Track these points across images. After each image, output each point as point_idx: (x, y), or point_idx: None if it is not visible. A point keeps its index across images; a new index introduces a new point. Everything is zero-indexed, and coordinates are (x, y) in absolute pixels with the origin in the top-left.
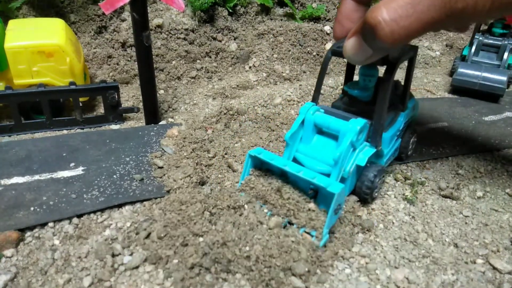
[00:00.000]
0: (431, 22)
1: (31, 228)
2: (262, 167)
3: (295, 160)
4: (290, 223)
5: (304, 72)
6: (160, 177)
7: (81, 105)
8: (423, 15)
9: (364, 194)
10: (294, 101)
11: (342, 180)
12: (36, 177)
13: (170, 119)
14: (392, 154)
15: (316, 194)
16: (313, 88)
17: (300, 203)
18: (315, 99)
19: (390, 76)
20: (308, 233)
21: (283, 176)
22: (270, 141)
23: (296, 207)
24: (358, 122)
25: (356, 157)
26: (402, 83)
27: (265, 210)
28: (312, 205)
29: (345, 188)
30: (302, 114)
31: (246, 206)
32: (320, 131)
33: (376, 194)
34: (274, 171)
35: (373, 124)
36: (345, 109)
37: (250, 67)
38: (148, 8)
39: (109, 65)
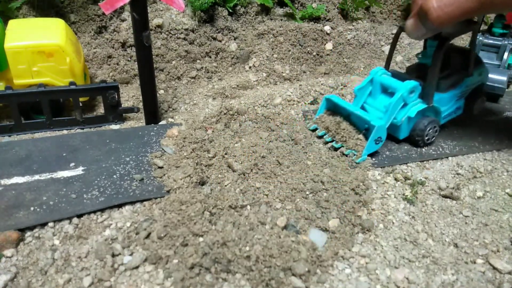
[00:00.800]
0: (468, 10)
1: (31, 228)
2: (335, 110)
3: (363, 108)
4: (336, 149)
5: (304, 72)
6: (160, 177)
7: (81, 105)
8: (462, 5)
9: (417, 137)
10: (294, 101)
11: (395, 126)
12: (36, 177)
13: (170, 119)
14: (454, 111)
15: (367, 131)
16: (313, 88)
17: (351, 133)
18: (386, 67)
19: (439, 49)
20: (353, 154)
21: (348, 118)
22: (270, 141)
23: (348, 135)
24: (411, 83)
25: (408, 110)
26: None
27: (326, 137)
28: (360, 136)
29: (385, 126)
30: (371, 75)
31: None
32: (385, 90)
33: (428, 140)
34: (342, 113)
35: (426, 85)
36: (415, 73)
37: (250, 67)
38: (148, 8)
39: (109, 65)
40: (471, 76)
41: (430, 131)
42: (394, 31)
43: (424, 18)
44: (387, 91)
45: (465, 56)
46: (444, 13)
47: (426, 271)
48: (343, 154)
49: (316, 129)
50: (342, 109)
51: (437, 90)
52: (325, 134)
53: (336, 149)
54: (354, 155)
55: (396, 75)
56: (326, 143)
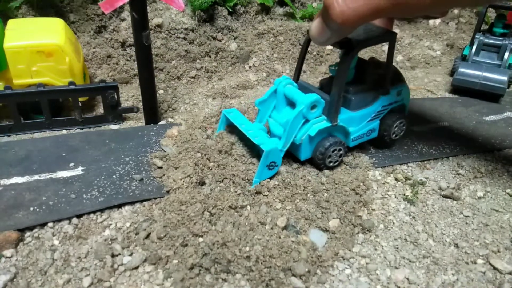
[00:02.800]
0: (377, 9)
1: (31, 228)
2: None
3: (267, 124)
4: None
5: (304, 72)
6: (160, 177)
7: (80, 105)
8: (371, 1)
9: (318, 160)
10: None
11: (295, 146)
12: (36, 177)
13: (170, 119)
14: (366, 133)
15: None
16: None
17: (245, 157)
18: (294, 77)
19: (345, 59)
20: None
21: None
22: None
23: (241, 159)
24: (311, 97)
25: (309, 128)
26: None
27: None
28: (254, 160)
29: (279, 146)
30: (275, 85)
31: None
32: (291, 102)
33: (330, 163)
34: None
35: (329, 101)
36: (326, 87)
37: (250, 67)
38: (148, 7)
39: (108, 64)
40: (387, 94)
41: (334, 153)
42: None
43: (326, 16)
44: (293, 104)
45: (384, 72)
46: (349, 8)
47: (427, 272)
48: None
49: None
50: (237, 128)
51: (347, 108)
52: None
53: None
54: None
55: (303, 87)
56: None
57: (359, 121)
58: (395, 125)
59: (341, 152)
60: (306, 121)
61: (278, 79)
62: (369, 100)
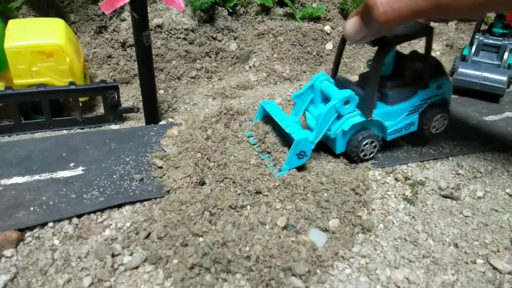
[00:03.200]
0: (418, 10)
1: (31, 228)
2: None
3: (304, 117)
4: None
5: (304, 72)
6: (160, 177)
7: (81, 105)
8: (412, 3)
9: (351, 153)
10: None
11: (331, 139)
12: (36, 177)
13: (170, 119)
14: (404, 127)
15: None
16: None
17: (277, 146)
18: (332, 74)
19: (378, 56)
20: (275, 167)
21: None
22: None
23: (273, 147)
24: (345, 92)
25: (344, 123)
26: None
27: (255, 147)
28: (285, 149)
29: (310, 138)
30: (312, 81)
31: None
32: (327, 98)
33: (365, 156)
34: (274, 123)
35: (363, 97)
36: (364, 81)
37: (250, 67)
38: (148, 8)
39: (109, 65)
40: (427, 88)
41: (367, 146)
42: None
43: (367, 16)
44: (329, 100)
45: (423, 65)
46: (392, 9)
47: (426, 271)
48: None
49: (252, 136)
50: (273, 119)
51: (384, 102)
52: (255, 144)
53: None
54: (276, 168)
55: (340, 82)
56: (258, 152)
57: (396, 116)
58: (435, 119)
59: (374, 144)
60: (340, 116)
61: (316, 74)
62: (407, 94)
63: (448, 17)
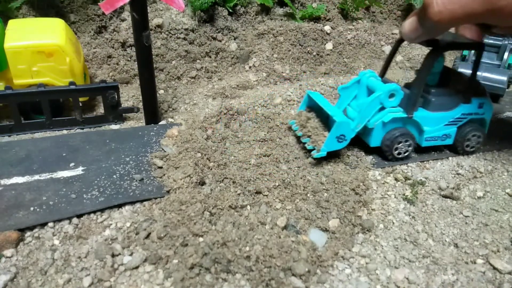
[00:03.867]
0: (472, 12)
1: (31, 228)
2: (314, 107)
3: (345, 111)
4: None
5: (304, 72)
6: (160, 177)
7: (81, 105)
8: (467, 5)
9: (385, 148)
10: (294, 101)
11: (367, 131)
12: (36, 177)
13: (170, 119)
14: (440, 137)
15: None
16: (314, 88)
17: (318, 130)
18: (381, 73)
19: (429, 56)
20: (313, 149)
21: (326, 117)
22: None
23: (314, 131)
24: (391, 86)
25: (384, 115)
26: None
27: (297, 132)
28: (326, 133)
29: (352, 125)
30: (359, 76)
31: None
32: (371, 93)
33: (399, 154)
34: (319, 111)
35: (408, 93)
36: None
37: (250, 67)
38: (148, 8)
39: (109, 65)
40: (469, 103)
41: (401, 144)
42: (394, 31)
43: (423, 14)
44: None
45: (468, 81)
46: (446, 9)
47: (426, 271)
48: (309, 150)
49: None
50: (318, 107)
51: (426, 108)
52: (297, 130)
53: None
54: (314, 150)
55: (386, 82)
56: (298, 137)
57: (435, 123)
58: (470, 135)
59: (408, 143)
60: (382, 108)
61: (363, 71)
62: (449, 106)
63: (501, 22)
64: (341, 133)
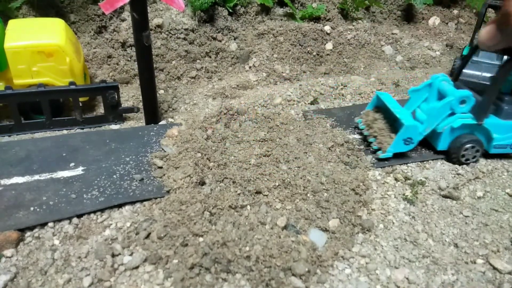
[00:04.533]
0: None
1: (31, 228)
2: (382, 107)
3: (414, 113)
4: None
5: (304, 72)
6: (160, 177)
7: (81, 105)
8: None
9: (452, 153)
10: (294, 101)
11: (435, 135)
12: (36, 177)
13: (170, 119)
14: (510, 145)
15: None
16: (313, 88)
17: (384, 131)
18: (454, 78)
19: (506, 64)
20: (378, 149)
21: (393, 119)
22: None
23: (380, 132)
24: (463, 92)
25: (454, 120)
26: None
27: (363, 131)
28: (393, 135)
29: (420, 128)
30: (431, 80)
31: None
32: (442, 97)
33: (467, 161)
34: (387, 112)
35: (480, 100)
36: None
37: (250, 67)
38: (148, 8)
39: (109, 65)
40: None
41: (468, 151)
42: (394, 31)
43: (502, 21)
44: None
45: None
46: None
47: (426, 271)
48: (374, 151)
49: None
50: (386, 108)
51: (498, 116)
52: (364, 129)
53: (370, 143)
54: (379, 150)
55: (459, 87)
56: (365, 136)
57: (506, 131)
58: None
59: (475, 149)
60: (452, 114)
61: (436, 74)
62: None
63: None
64: (409, 136)
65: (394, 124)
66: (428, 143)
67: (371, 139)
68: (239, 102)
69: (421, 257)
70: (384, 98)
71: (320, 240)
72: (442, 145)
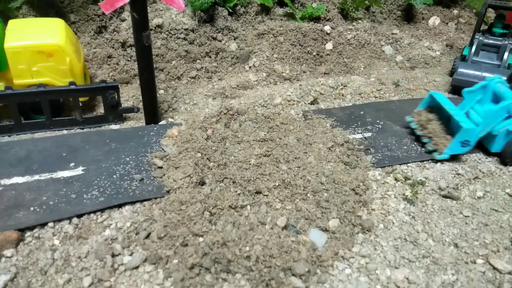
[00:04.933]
0: None
1: (31, 228)
2: (435, 107)
3: (468, 114)
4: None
5: (304, 72)
6: (160, 177)
7: (81, 105)
8: None
9: (505, 155)
10: (294, 101)
11: (490, 137)
12: (36, 177)
13: (170, 119)
14: None
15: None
16: (314, 88)
17: (440, 132)
18: (509, 79)
19: None
20: (434, 150)
21: (448, 119)
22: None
23: (435, 133)
24: None
25: (510, 124)
26: None
27: (416, 131)
28: (448, 137)
29: (475, 130)
30: (486, 81)
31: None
32: (497, 100)
33: None
34: (441, 112)
35: None
36: None
37: (250, 67)
38: (148, 8)
39: (109, 65)
40: None
41: None
42: (394, 31)
43: None
44: (498, 102)
45: None
46: None
47: (426, 271)
48: (429, 151)
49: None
50: (441, 108)
51: None
52: (417, 128)
53: (424, 144)
54: (435, 152)
55: None
56: (418, 136)
57: None
58: None
59: None
60: (509, 117)
61: (491, 76)
62: None
63: None
64: (466, 139)
65: (448, 124)
66: (479, 144)
67: (425, 140)
68: (239, 102)
69: (421, 257)
70: (439, 99)
71: (320, 240)
72: (496, 147)
